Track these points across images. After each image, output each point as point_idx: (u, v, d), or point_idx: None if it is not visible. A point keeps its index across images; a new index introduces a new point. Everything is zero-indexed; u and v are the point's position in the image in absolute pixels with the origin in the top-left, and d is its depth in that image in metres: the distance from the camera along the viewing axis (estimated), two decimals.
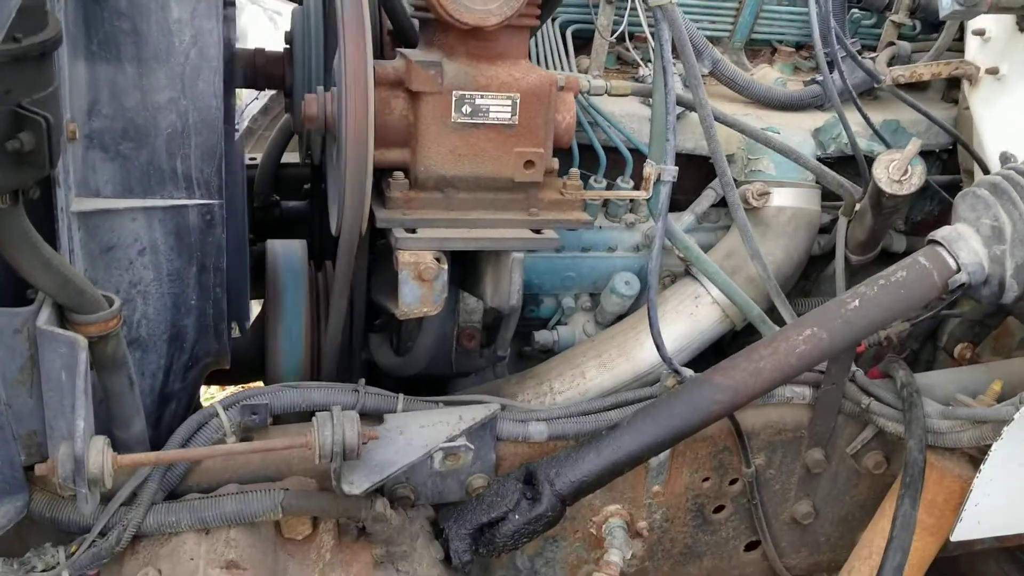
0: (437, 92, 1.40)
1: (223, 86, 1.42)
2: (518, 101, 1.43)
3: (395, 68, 1.43)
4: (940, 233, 1.49)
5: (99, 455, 1.26)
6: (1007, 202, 1.43)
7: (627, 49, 2.01)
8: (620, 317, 1.96)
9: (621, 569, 1.70)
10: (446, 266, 1.41)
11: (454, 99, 1.41)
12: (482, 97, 1.41)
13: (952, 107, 2.06)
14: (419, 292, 1.40)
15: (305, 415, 1.56)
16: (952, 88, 2.09)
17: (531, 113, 1.44)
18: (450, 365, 1.88)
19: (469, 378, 2.01)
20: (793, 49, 2.15)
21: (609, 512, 1.78)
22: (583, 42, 2.03)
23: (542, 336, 1.97)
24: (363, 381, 1.64)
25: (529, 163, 1.46)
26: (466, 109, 1.42)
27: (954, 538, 1.58)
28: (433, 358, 1.78)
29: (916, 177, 1.58)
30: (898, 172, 1.56)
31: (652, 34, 1.92)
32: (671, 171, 1.53)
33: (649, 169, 1.55)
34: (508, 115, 1.43)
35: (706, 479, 1.82)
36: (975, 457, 1.74)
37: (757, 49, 2.17)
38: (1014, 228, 1.43)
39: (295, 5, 2.00)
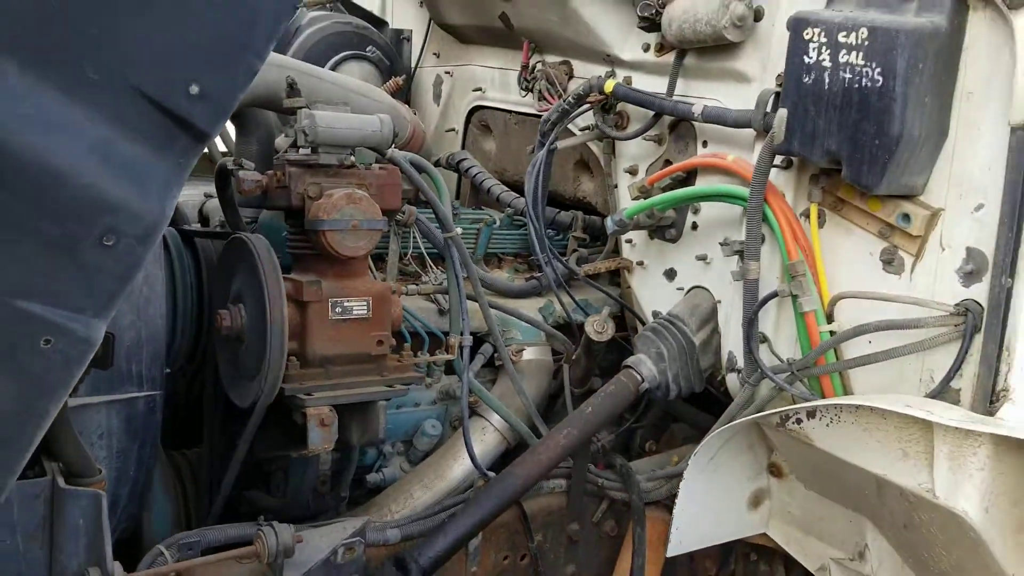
0: (319, 301, 2.13)
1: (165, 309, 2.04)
2: (371, 302, 2.19)
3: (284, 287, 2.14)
4: (629, 361, 2.46)
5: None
6: (662, 338, 2.44)
7: (407, 265, 2.85)
8: (427, 454, 2.70)
9: None
10: (336, 415, 2.10)
11: (330, 304, 2.14)
12: (348, 301, 2.17)
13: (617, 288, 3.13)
14: (321, 435, 2.06)
15: None
16: (614, 275, 3.16)
17: (379, 309, 2.21)
18: (308, 507, 2.48)
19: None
20: (512, 257, 3.13)
21: None
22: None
23: (373, 478, 2.63)
24: (262, 517, 2.21)
25: (380, 342, 2.22)
26: (338, 310, 2.16)
27: (669, 554, 2.45)
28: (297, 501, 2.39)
29: (610, 330, 2.55)
30: (601, 327, 2.53)
31: (429, 254, 2.79)
32: (468, 340, 2.37)
33: (453, 339, 2.37)
34: (365, 311, 2.19)
35: (505, 557, 2.56)
36: (669, 507, 2.66)
37: (487, 258, 3.12)
38: (668, 352, 2.43)
39: None
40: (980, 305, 1.84)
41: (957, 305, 1.87)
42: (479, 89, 3.47)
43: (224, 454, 2.45)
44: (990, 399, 1.83)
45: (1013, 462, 1.82)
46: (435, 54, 3.75)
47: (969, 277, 1.86)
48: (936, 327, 1.89)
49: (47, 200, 1.32)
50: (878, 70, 1.80)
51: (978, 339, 1.85)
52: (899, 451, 1.93)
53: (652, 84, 2.60)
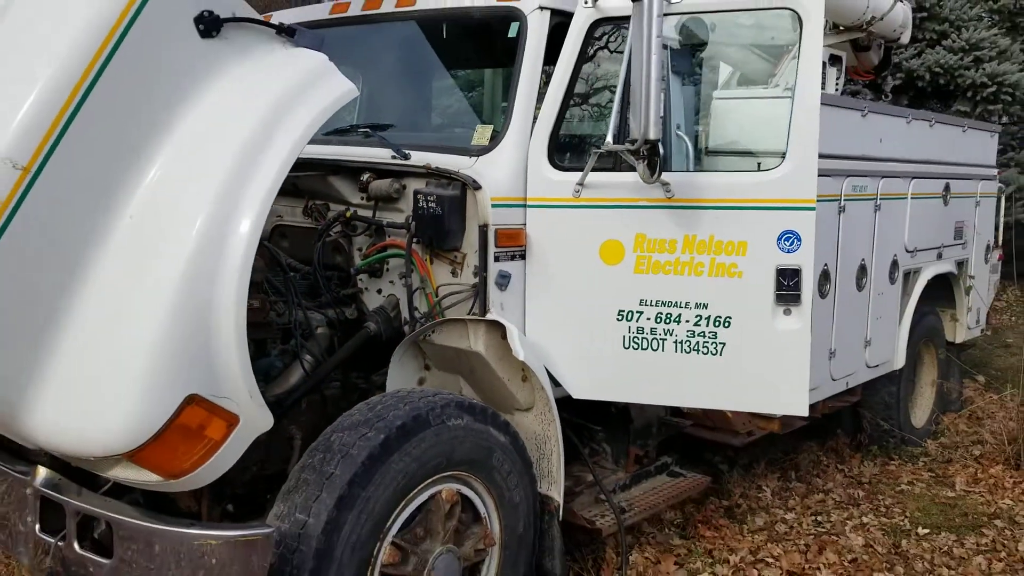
0: None
1: None
2: (259, 300, 5.54)
3: None
4: (365, 324, 5.99)
5: None
6: (379, 314, 5.99)
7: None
8: (275, 377, 5.98)
9: None
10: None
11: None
12: (251, 300, 5.50)
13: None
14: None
15: None
16: (355, 296, 6.67)
17: (263, 303, 5.55)
18: None
19: None
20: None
21: None
22: None
23: None
24: None
25: (264, 316, 5.55)
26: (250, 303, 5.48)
27: None
28: None
29: (356, 314, 6.05)
30: (352, 314, 6.03)
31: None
32: (302, 319, 5.78)
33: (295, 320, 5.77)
34: (257, 304, 5.52)
35: (317, 422, 5.91)
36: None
37: None
38: (380, 320, 5.98)
39: None
40: (479, 283, 5.61)
41: (473, 284, 5.64)
42: (280, 216, 6.93)
43: None
44: (484, 313, 5.59)
45: (493, 332, 5.59)
46: None
47: (474, 274, 5.63)
48: (468, 291, 5.66)
49: None
50: (440, 209, 5.56)
51: (481, 296, 5.61)
52: (459, 334, 5.63)
53: (367, 213, 6.23)
